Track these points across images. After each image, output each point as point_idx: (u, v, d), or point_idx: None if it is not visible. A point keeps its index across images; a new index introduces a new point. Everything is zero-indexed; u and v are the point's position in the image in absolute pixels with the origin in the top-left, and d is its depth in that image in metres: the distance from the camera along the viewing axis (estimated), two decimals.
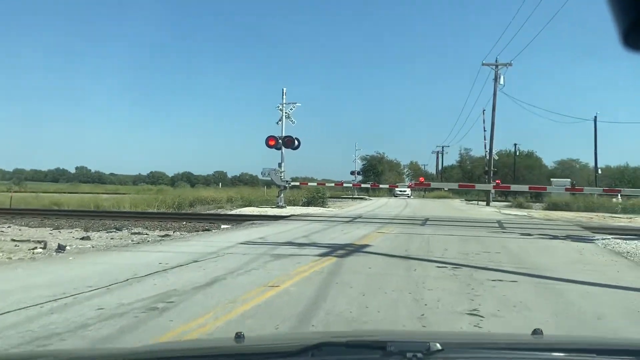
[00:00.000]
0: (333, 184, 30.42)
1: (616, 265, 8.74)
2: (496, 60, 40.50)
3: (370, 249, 10.40)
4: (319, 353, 1.52)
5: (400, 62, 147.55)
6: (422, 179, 21.78)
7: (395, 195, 58.31)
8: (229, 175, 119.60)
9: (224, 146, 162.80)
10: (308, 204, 29.04)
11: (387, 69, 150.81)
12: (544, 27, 72.53)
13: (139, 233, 14.43)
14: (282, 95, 25.10)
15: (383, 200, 49.44)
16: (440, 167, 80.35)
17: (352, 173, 60.40)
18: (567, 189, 18.75)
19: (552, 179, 54.03)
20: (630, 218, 26.21)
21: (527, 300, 5.97)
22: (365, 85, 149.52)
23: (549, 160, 75.87)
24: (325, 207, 28.21)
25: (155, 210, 24.92)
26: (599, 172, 47.10)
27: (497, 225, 18.33)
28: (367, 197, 56.43)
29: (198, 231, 15.30)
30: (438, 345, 1.51)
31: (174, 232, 14.91)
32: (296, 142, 24.51)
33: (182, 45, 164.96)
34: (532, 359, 1.69)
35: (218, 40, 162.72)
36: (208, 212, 24.76)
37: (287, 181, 24.31)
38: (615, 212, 31.15)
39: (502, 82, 40.78)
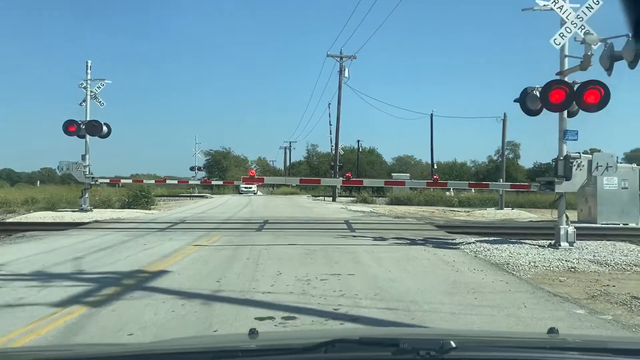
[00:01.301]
0: (153, 181, 25.58)
1: (512, 292, 6.20)
2: (341, 52, 39.16)
3: (163, 282, 6.64)
4: (332, 349, 1.48)
5: (243, 51, 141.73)
6: (252, 172, 18.67)
7: (241, 192, 54.62)
8: (60, 172, 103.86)
9: (52, 139, 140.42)
10: (128, 205, 23.95)
11: (230, 59, 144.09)
12: (381, 25, 74.84)
13: None
14: (86, 69, 19.70)
15: (225, 197, 45.40)
16: (288, 163, 78.86)
17: (192, 169, 54.69)
18: (429, 184, 17.04)
19: (392, 174, 55.58)
20: (468, 212, 26.44)
21: None
22: (207, 75, 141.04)
23: (388, 157, 78.99)
24: (148, 209, 23.45)
25: None
26: (435, 167, 49.00)
27: (345, 226, 15.78)
28: (209, 195, 51.79)
29: None
30: (452, 343, 1.46)
31: None
32: (105, 129, 19.42)
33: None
34: (547, 358, 1.59)
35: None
36: None
37: (93, 178, 19.19)
38: (453, 206, 32.05)
39: (347, 75, 39.58)
